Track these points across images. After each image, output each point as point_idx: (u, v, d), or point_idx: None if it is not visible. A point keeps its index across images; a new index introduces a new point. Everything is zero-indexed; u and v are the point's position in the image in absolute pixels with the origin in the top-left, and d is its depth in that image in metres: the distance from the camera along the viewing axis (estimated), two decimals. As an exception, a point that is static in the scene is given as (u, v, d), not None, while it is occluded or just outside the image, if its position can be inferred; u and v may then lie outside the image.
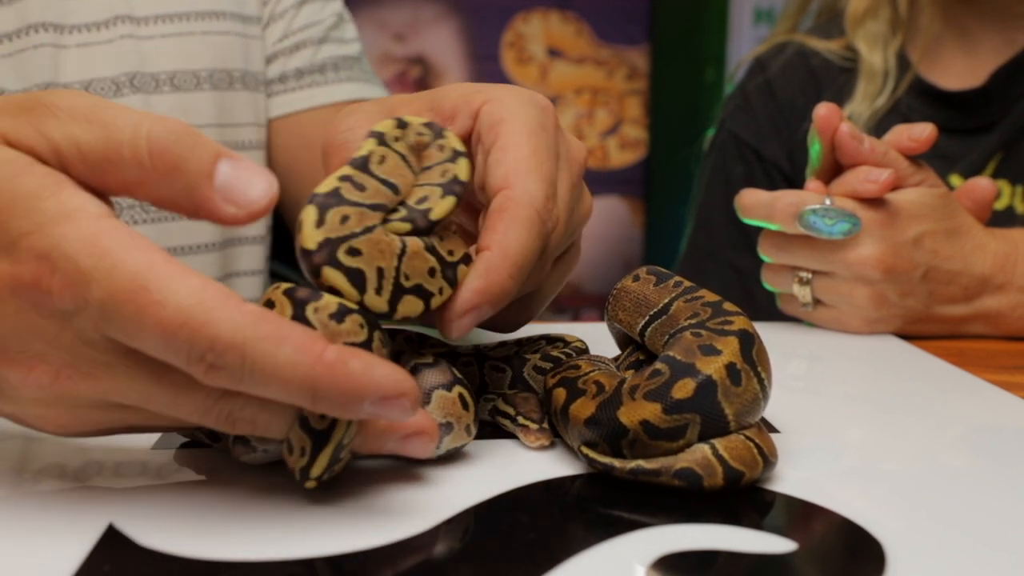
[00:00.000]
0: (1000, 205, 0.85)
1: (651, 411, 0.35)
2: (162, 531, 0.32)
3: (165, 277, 0.29)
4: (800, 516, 0.35)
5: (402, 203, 0.36)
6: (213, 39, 0.74)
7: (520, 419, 0.40)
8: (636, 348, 0.44)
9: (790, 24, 1.01)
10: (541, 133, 0.39)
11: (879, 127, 0.89)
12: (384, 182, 0.36)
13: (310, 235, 0.33)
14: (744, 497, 0.36)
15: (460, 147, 0.38)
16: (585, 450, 0.37)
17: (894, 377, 0.55)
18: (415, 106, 0.42)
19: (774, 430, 0.43)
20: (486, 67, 2.58)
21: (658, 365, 0.36)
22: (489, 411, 0.42)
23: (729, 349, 0.36)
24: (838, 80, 0.93)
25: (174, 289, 0.29)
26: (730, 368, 0.35)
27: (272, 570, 0.30)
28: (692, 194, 1.03)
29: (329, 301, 0.32)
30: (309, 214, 0.33)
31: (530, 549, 0.32)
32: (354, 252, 0.33)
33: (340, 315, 0.32)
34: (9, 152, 0.32)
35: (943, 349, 0.60)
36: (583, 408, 0.37)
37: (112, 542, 0.31)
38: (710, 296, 0.40)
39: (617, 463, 0.36)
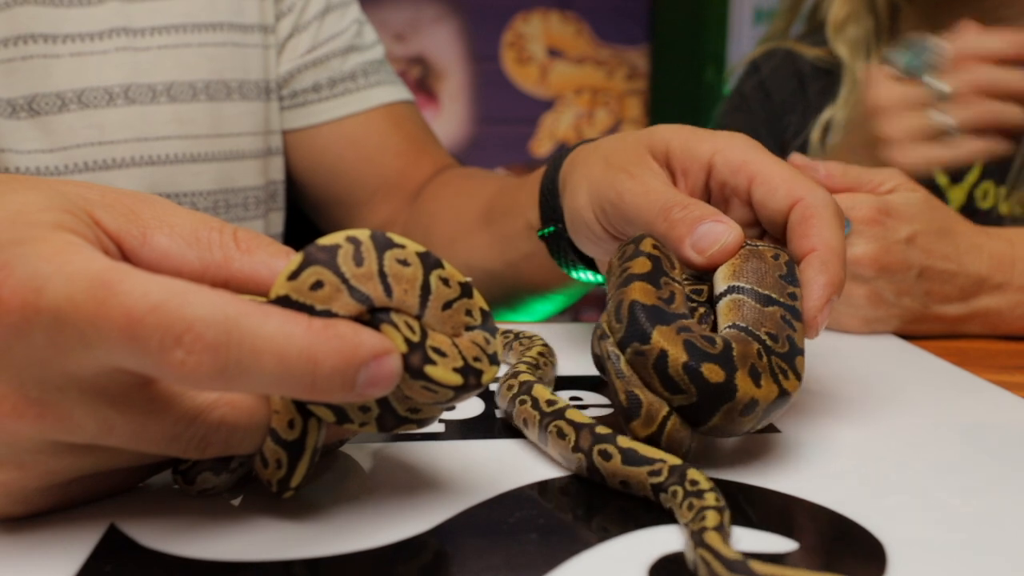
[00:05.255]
0: (986, 205, 0.86)
1: (676, 354, 0.35)
2: (163, 532, 0.32)
3: (130, 272, 0.27)
4: (800, 516, 0.35)
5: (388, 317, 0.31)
6: (209, 51, 0.75)
7: None
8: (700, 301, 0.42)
9: (784, 23, 1.03)
10: (779, 162, 0.44)
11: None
12: (383, 279, 0.31)
13: (279, 282, 0.30)
14: (744, 497, 0.36)
15: (487, 307, 0.35)
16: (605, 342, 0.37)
17: (894, 376, 0.55)
18: (629, 149, 0.47)
19: (775, 430, 0.43)
20: (486, 67, 2.57)
21: (718, 336, 0.37)
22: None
23: (766, 392, 0.36)
24: (821, 81, 0.96)
25: (141, 281, 0.27)
26: (752, 402, 0.36)
27: (273, 571, 0.30)
28: None
29: None
30: (293, 260, 0.30)
31: (530, 549, 0.32)
32: None
33: None
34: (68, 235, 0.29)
35: (943, 349, 0.60)
36: (642, 292, 0.37)
37: (113, 543, 0.31)
38: (800, 338, 0.40)
39: (610, 342, 0.37)
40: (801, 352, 0.39)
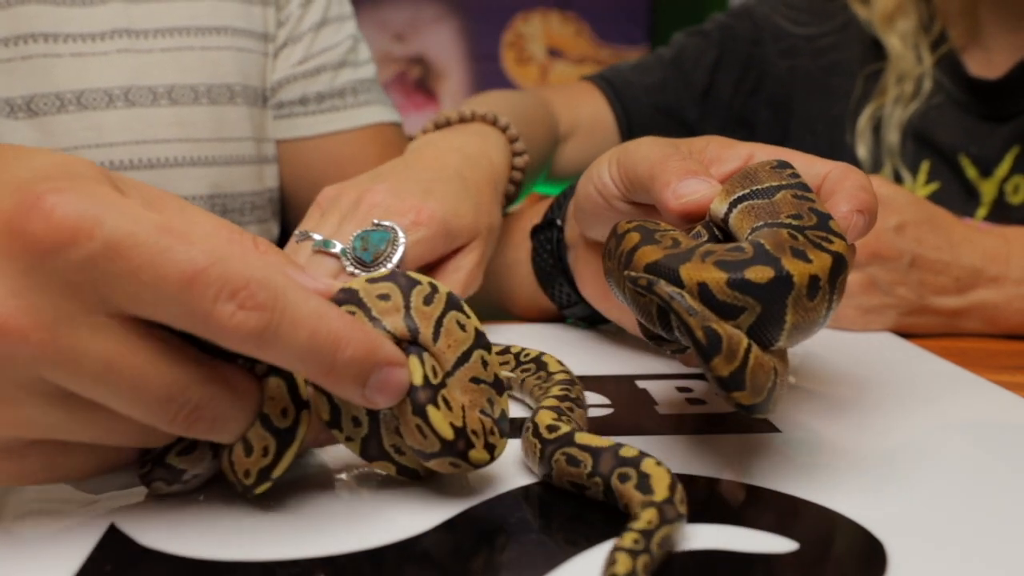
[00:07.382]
0: (1017, 200, 0.85)
1: (715, 277, 0.33)
2: (163, 531, 0.32)
3: (194, 226, 0.30)
4: (801, 516, 0.35)
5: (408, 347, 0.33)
6: (212, 54, 0.74)
7: None
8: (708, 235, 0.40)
9: None
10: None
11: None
12: (437, 327, 0.34)
13: (361, 279, 0.33)
14: (745, 497, 0.36)
15: (508, 411, 0.37)
16: (629, 272, 0.35)
17: (895, 376, 0.55)
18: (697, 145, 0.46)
19: (775, 429, 0.43)
20: (486, 67, 2.58)
21: (743, 244, 0.34)
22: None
23: (820, 263, 0.34)
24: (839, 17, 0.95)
25: (203, 234, 0.29)
26: (812, 279, 0.33)
27: (273, 571, 0.30)
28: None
29: None
30: (382, 271, 0.33)
31: (530, 549, 0.32)
32: None
33: None
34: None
35: (944, 349, 0.60)
36: (651, 253, 0.35)
37: (113, 542, 0.31)
38: (821, 206, 0.38)
39: (663, 283, 0.33)
40: (830, 216, 0.37)
